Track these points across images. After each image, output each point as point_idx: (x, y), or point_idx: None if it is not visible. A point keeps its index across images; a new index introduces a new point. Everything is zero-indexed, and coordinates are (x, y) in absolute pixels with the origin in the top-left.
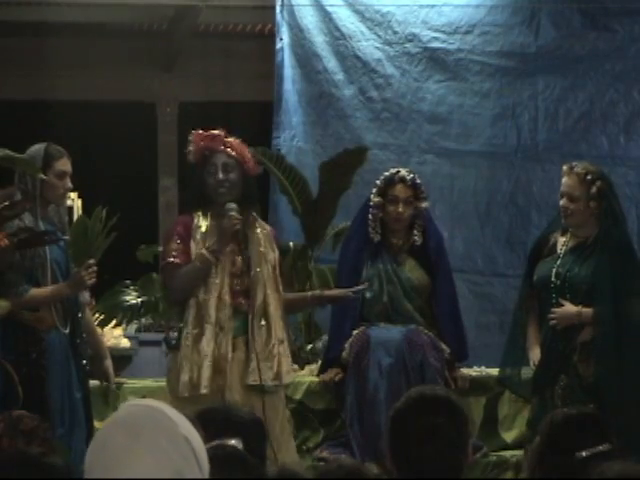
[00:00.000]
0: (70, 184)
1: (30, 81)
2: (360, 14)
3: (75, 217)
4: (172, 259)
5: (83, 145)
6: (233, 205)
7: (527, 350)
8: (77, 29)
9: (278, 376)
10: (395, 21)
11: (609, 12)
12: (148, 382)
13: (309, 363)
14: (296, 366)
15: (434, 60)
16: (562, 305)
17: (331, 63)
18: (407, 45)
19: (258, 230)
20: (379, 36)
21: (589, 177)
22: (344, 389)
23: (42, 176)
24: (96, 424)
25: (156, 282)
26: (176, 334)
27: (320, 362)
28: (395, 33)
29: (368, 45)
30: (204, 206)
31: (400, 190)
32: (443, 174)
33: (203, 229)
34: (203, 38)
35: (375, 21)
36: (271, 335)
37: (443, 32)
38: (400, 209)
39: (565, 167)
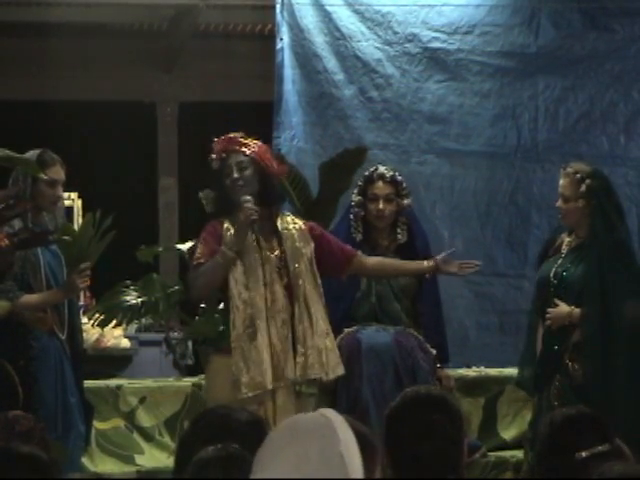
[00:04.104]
0: (61, 192)
1: (30, 81)
2: (360, 14)
3: (75, 217)
4: (196, 262)
5: (83, 145)
6: (248, 197)
7: (537, 351)
8: (77, 29)
9: (324, 369)
10: (395, 21)
11: (609, 12)
12: (148, 382)
13: None
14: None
15: (434, 60)
16: (557, 305)
17: (331, 63)
18: (407, 45)
19: (290, 226)
20: (379, 36)
21: (578, 176)
22: (336, 396)
23: (42, 175)
24: (97, 425)
25: (156, 282)
26: (175, 333)
27: None
28: (395, 33)
29: (368, 45)
30: (231, 211)
31: (380, 187)
32: (443, 174)
33: (232, 231)
34: (203, 38)
35: (375, 21)
36: (315, 329)
37: (443, 32)
38: (380, 206)
39: (561, 169)
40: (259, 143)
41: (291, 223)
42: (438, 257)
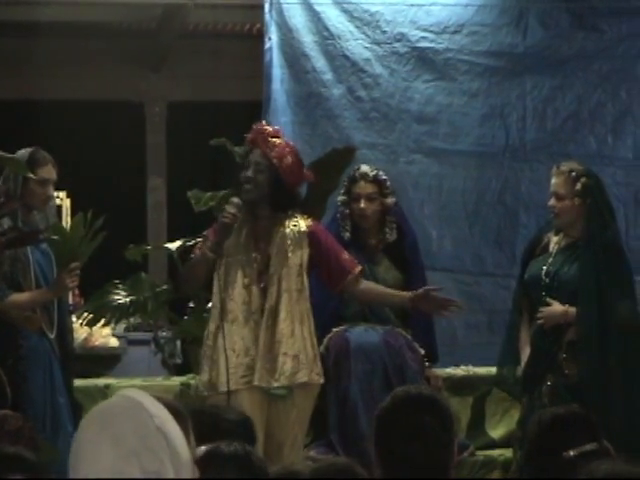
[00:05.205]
0: (52, 192)
1: (18, 80)
2: (349, 13)
3: (64, 216)
4: (191, 256)
5: (71, 145)
6: (235, 200)
7: (519, 350)
8: (65, 28)
9: (274, 376)
10: (384, 21)
11: (597, 12)
12: (137, 381)
13: None
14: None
15: (422, 60)
16: (550, 304)
17: (320, 63)
18: (395, 45)
19: (288, 230)
20: (368, 36)
21: (573, 174)
22: (325, 396)
23: (31, 175)
24: None
25: (145, 282)
26: (164, 333)
27: None
28: (384, 33)
29: (357, 45)
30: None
31: (362, 187)
32: (431, 174)
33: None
34: (192, 38)
35: (364, 21)
36: (275, 335)
37: (431, 32)
38: (362, 205)
39: (553, 168)
40: (287, 146)
41: (291, 226)
42: (419, 290)
